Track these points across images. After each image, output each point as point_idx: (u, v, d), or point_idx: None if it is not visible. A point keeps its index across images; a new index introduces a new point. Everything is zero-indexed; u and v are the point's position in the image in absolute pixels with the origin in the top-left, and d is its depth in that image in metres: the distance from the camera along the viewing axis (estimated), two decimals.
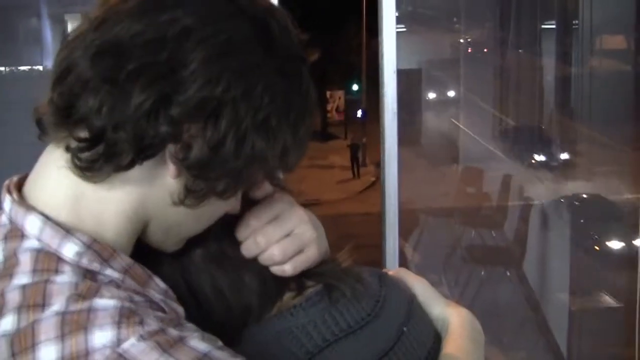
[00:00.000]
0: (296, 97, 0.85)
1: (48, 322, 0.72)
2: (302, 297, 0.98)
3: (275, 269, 0.96)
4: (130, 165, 0.78)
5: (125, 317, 0.73)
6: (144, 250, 0.91)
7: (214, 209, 0.89)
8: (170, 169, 0.80)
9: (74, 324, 0.72)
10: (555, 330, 4.50)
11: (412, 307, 1.04)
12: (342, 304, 0.97)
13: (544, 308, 4.79)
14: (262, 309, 0.97)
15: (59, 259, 0.79)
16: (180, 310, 0.87)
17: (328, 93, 24.87)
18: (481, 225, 5.44)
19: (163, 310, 0.81)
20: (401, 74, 2.04)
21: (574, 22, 4.65)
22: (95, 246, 0.81)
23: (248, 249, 0.96)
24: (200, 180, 0.81)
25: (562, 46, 4.95)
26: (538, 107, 5.54)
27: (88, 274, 0.79)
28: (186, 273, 0.97)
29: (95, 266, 0.80)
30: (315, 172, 17.46)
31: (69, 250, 0.80)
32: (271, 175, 0.93)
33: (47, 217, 0.81)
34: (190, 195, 0.83)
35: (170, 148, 0.78)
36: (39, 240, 0.80)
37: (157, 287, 0.87)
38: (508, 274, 5.11)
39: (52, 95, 0.79)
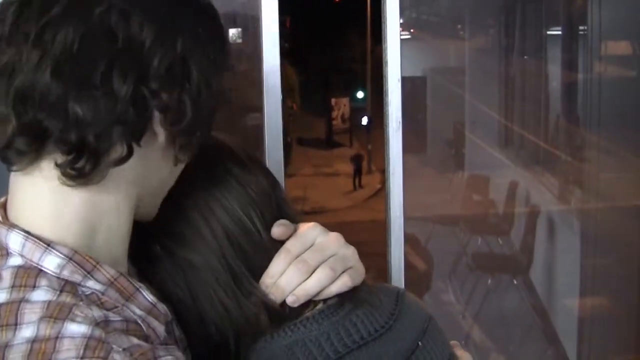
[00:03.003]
0: (217, 27, 0.90)
1: (17, 350, 0.72)
2: (314, 309, 0.97)
3: (335, 288, 0.97)
4: (130, 154, 0.80)
5: (91, 349, 0.73)
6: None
7: None
8: (160, 138, 0.83)
9: (40, 355, 0.71)
10: (563, 338, 4.48)
11: (430, 325, 1.03)
12: (355, 317, 0.96)
13: (552, 316, 4.77)
14: (275, 327, 0.96)
15: (39, 273, 0.79)
16: (161, 330, 0.87)
17: (333, 101, 24.92)
18: (488, 232, 5.42)
19: (140, 330, 0.82)
20: (406, 82, 2.02)
21: (580, 28, 4.63)
22: (77, 258, 0.81)
23: (289, 280, 0.96)
24: (192, 135, 0.86)
25: (568, 52, 4.94)
26: (544, 113, 5.53)
27: (68, 286, 0.79)
28: (195, 289, 0.97)
29: (76, 278, 0.80)
30: (320, 180, 17.49)
31: (50, 262, 0.80)
32: (226, 102, 0.96)
33: (28, 233, 0.81)
34: (186, 151, 0.87)
35: (158, 118, 0.81)
36: (21, 255, 0.80)
37: (145, 300, 0.86)
38: (515, 282, 5.09)
39: (12, 127, 0.77)
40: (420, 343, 0.99)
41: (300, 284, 0.96)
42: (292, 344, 0.93)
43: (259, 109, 1.96)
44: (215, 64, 0.86)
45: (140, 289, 0.87)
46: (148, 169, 0.87)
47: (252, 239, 0.98)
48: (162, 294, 0.97)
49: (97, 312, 0.77)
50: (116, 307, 0.82)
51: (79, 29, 0.76)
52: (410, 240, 4.43)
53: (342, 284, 0.98)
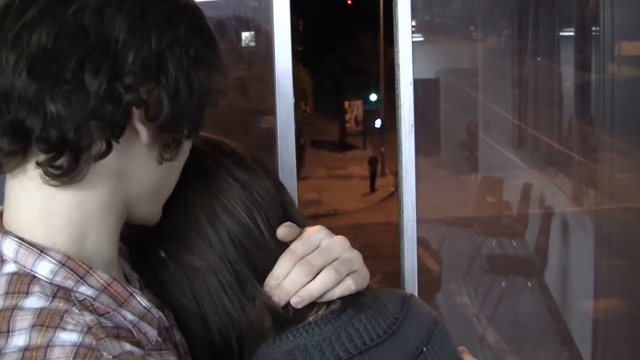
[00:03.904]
0: (203, 24, 0.91)
1: (9, 358, 0.73)
2: (316, 315, 0.97)
3: (338, 290, 0.97)
4: (109, 149, 0.81)
5: (80, 357, 0.74)
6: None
7: (184, 155, 0.94)
8: (142, 134, 0.84)
9: None
10: (578, 340, 4.45)
11: (436, 329, 1.03)
12: (358, 322, 0.96)
13: (566, 318, 4.74)
14: (278, 332, 0.96)
15: (33, 280, 0.81)
16: (153, 335, 0.88)
17: (346, 103, 24.93)
18: (501, 234, 5.41)
19: (132, 336, 0.83)
20: (419, 84, 2.03)
21: (593, 28, 4.60)
22: (70, 264, 0.82)
23: (293, 281, 0.96)
24: (173, 132, 0.86)
25: (582, 53, 4.92)
26: (557, 114, 5.50)
27: (61, 292, 0.80)
28: (199, 294, 0.97)
29: (69, 283, 0.82)
30: (334, 183, 17.47)
31: (44, 268, 0.81)
32: (215, 103, 0.95)
33: (22, 239, 0.82)
34: (170, 149, 0.88)
35: (137, 115, 0.82)
36: (15, 262, 0.82)
37: (138, 305, 0.87)
38: (529, 284, 5.07)
39: None
40: (425, 349, 0.99)
41: (304, 285, 0.97)
42: (294, 348, 0.93)
43: (272, 112, 1.96)
44: (198, 61, 0.86)
45: (134, 294, 0.88)
46: (133, 167, 0.87)
47: (257, 243, 0.98)
48: (165, 299, 0.98)
49: (88, 317, 0.78)
50: (108, 312, 0.83)
51: (53, 29, 0.77)
52: (423, 242, 4.42)
53: (345, 287, 0.98)
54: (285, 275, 0.97)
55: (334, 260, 0.99)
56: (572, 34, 5.22)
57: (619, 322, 4.19)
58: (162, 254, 0.98)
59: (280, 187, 1.05)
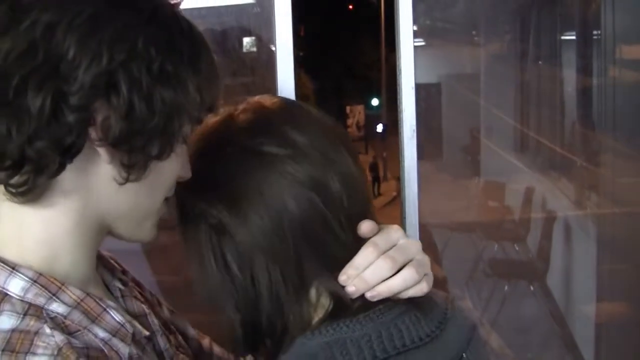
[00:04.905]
0: (179, 38, 0.85)
1: None
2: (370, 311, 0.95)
3: (412, 291, 0.96)
4: (61, 168, 0.79)
5: None
6: None
7: (162, 175, 0.90)
8: (102, 154, 0.82)
9: None
10: (581, 344, 4.44)
11: (475, 335, 1.02)
12: (401, 322, 0.94)
13: (570, 322, 4.74)
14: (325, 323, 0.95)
15: (4, 298, 0.80)
16: (125, 351, 0.87)
17: (348, 108, 24.94)
18: (504, 238, 5.40)
19: (103, 354, 0.82)
20: (421, 88, 2.02)
21: (594, 32, 4.60)
22: (42, 280, 0.82)
23: (374, 273, 0.94)
24: (133, 152, 0.82)
25: (583, 57, 4.91)
26: (559, 118, 5.50)
27: (32, 309, 0.80)
28: (258, 276, 0.95)
29: (40, 301, 0.81)
30: None
31: (15, 286, 0.81)
32: (199, 120, 0.93)
33: None
34: (132, 170, 0.84)
35: (91, 134, 0.80)
36: None
37: (112, 320, 0.87)
38: (532, 288, 5.06)
39: None
40: (464, 355, 0.98)
41: (384, 280, 0.95)
42: (333, 342, 0.91)
43: None
44: (163, 77, 0.82)
45: (107, 309, 0.88)
46: (99, 186, 0.85)
47: (331, 231, 0.96)
48: (225, 272, 0.96)
49: (59, 337, 0.78)
50: (79, 330, 0.83)
51: (4, 47, 0.76)
52: (426, 247, 4.41)
53: (419, 289, 0.97)
54: (366, 266, 0.95)
55: (412, 260, 0.99)
56: (573, 37, 5.22)
57: (622, 326, 4.18)
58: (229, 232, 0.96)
59: (361, 172, 1.03)
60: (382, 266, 0.95)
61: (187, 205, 0.99)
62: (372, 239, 0.98)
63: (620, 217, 4.35)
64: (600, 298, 4.24)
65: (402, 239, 1.00)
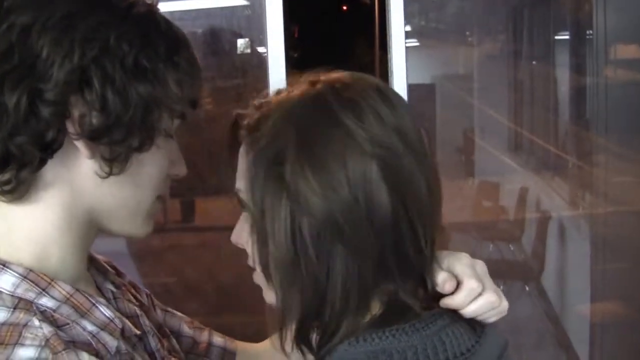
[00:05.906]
0: (155, 35, 0.87)
1: None
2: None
3: (494, 312, 0.98)
4: (41, 164, 0.81)
5: None
6: None
7: (145, 168, 0.91)
8: (82, 149, 0.84)
9: None
10: (576, 344, 4.45)
11: (505, 353, 1.01)
12: (445, 335, 0.93)
13: (565, 321, 4.74)
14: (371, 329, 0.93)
15: None
16: (113, 344, 0.88)
17: None
18: (498, 238, 5.40)
19: (90, 346, 0.84)
20: (414, 89, 2.02)
21: (587, 32, 4.61)
22: (32, 276, 0.84)
23: (470, 292, 0.95)
24: (113, 146, 0.85)
25: (576, 57, 4.93)
26: (553, 118, 5.51)
27: (22, 303, 0.82)
28: (335, 273, 0.90)
29: (30, 295, 0.83)
30: None
31: (6, 282, 0.83)
32: (180, 113, 0.94)
33: None
34: (113, 163, 0.86)
35: (69, 129, 0.82)
36: None
37: (101, 315, 0.88)
38: (527, 288, 5.06)
39: None
40: None
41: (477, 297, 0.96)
42: (379, 351, 0.89)
43: None
44: (138, 71, 0.84)
45: (97, 304, 0.89)
46: (82, 182, 0.87)
47: (414, 233, 0.95)
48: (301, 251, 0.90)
49: (47, 329, 0.80)
50: (67, 324, 0.84)
51: None
52: None
53: (498, 312, 0.99)
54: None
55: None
56: (567, 37, 5.23)
57: (617, 326, 4.19)
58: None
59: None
60: (493, 301, 0.97)
61: (261, 168, 0.90)
62: (470, 278, 0.97)
63: (614, 217, 4.35)
64: (594, 298, 4.25)
65: (477, 266, 1.01)
